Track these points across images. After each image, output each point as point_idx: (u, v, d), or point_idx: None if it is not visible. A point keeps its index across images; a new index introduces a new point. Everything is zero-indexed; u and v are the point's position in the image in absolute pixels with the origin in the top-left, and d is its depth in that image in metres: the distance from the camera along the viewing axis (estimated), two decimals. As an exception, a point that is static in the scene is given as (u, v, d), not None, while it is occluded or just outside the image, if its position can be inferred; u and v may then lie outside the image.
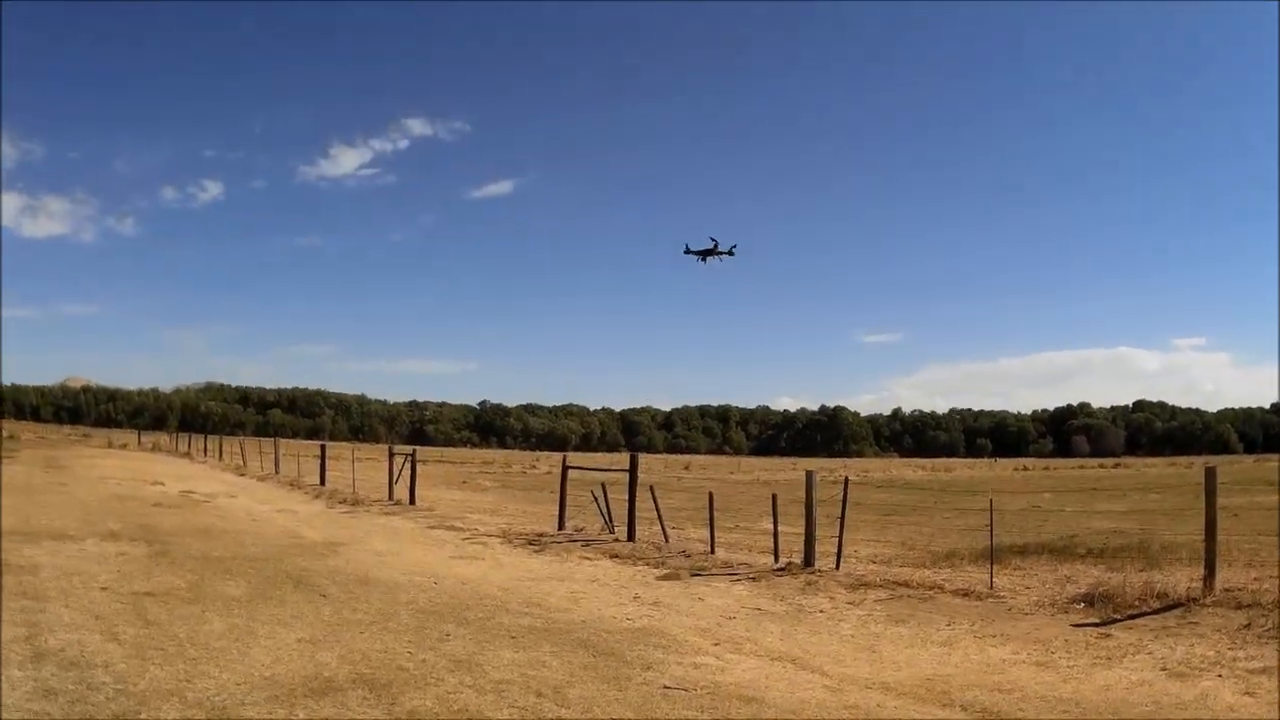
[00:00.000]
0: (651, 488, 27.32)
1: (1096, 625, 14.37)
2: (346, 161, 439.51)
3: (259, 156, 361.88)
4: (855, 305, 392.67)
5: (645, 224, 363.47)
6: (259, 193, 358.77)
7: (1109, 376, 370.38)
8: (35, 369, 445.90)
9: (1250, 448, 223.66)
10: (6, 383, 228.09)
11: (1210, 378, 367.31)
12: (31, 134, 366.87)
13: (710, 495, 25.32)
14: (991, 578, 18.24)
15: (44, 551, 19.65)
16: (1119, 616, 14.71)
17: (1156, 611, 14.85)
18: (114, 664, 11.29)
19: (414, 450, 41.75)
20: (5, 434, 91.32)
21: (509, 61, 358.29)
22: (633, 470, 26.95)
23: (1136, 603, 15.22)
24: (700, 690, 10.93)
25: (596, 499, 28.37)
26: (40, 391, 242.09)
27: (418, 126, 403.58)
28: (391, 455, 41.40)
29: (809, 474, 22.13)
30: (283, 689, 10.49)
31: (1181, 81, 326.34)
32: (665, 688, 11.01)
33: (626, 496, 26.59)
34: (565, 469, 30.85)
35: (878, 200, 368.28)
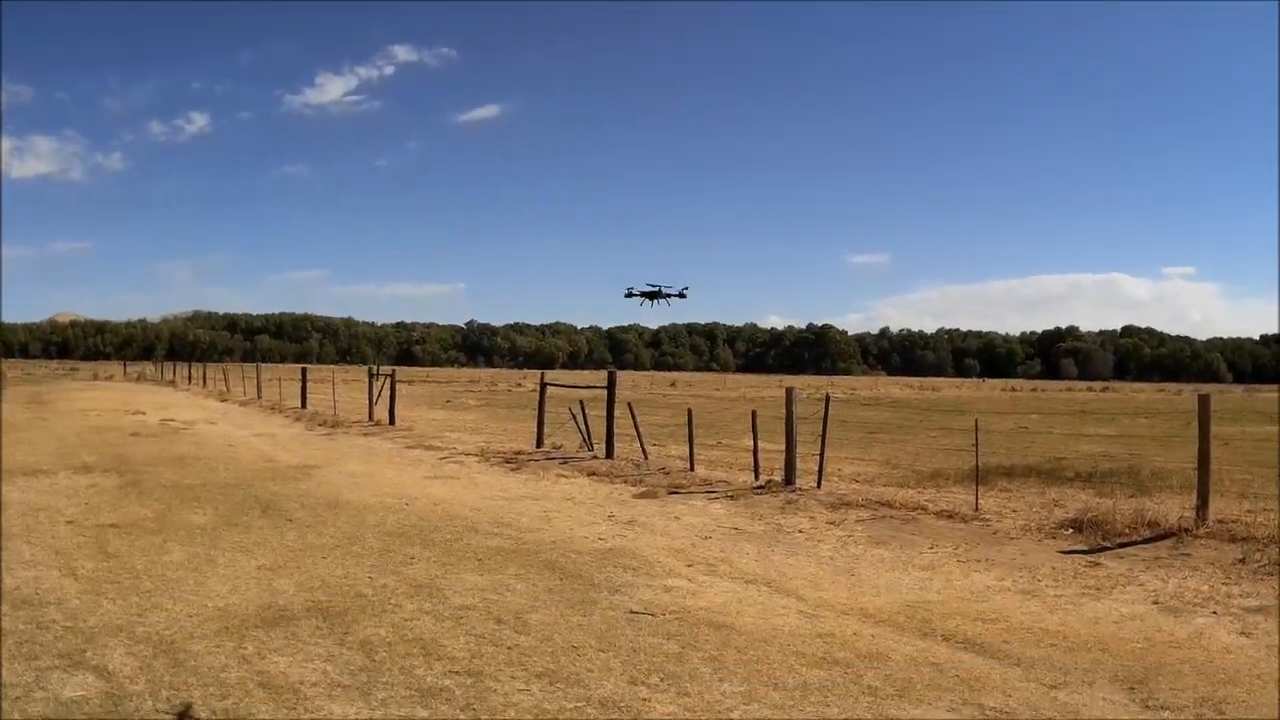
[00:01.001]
0: (630, 404, 27.07)
1: (1085, 553, 13.86)
2: (333, 89, 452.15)
3: (245, 87, 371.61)
4: (844, 225, 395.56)
5: (632, 143, 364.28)
6: (246, 123, 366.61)
7: (1099, 302, 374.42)
8: (27, 307, 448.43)
9: (1239, 378, 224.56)
10: None
11: (1198, 307, 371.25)
12: (18, 77, 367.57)
13: (689, 412, 24.87)
14: (977, 499, 17.79)
15: (14, 488, 19.15)
16: (1108, 545, 14.21)
17: (1147, 541, 14.36)
18: (67, 600, 10.87)
19: (393, 371, 41.56)
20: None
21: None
22: (611, 387, 26.77)
23: (1127, 530, 14.72)
24: (669, 615, 10.45)
25: (575, 417, 28.17)
26: (28, 329, 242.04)
27: (403, 53, 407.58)
28: (372, 376, 41.41)
29: (789, 390, 21.69)
30: (235, 620, 10.08)
31: (1181, 6, 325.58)
32: (632, 612, 10.54)
33: (605, 414, 26.29)
34: (543, 386, 30.55)
35: (867, 122, 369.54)
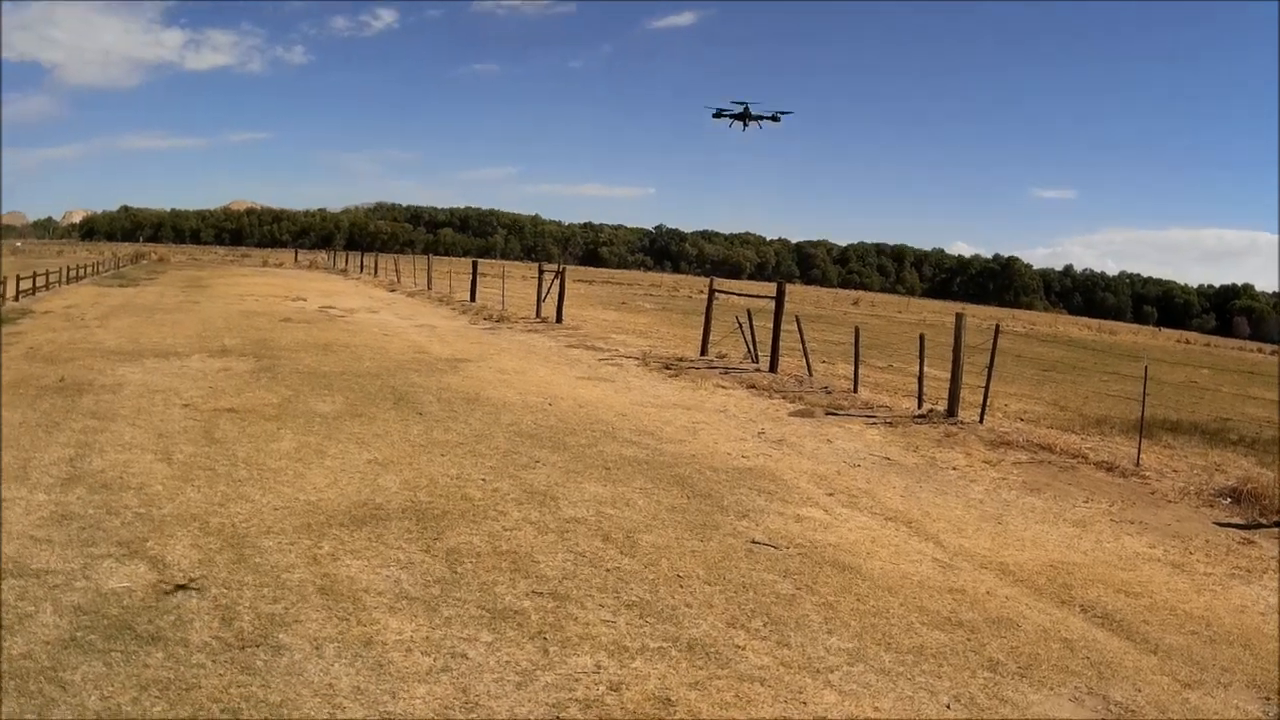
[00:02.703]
0: (797, 318, 26.35)
1: (1241, 527, 13.02)
2: None
3: None
4: (1032, 160, 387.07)
5: (825, 60, 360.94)
6: (434, 20, 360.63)
7: (1275, 262, 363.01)
8: (203, 197, 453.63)
9: None
10: (167, 208, 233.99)
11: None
12: None
13: (856, 330, 24.31)
14: (1139, 454, 16.93)
15: (140, 370, 19.04)
16: (1265, 522, 13.33)
17: (1307, 520, 13.56)
18: (150, 485, 10.65)
19: (562, 268, 41.05)
20: (155, 256, 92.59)
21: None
22: (780, 299, 25.99)
23: (1284, 509, 13.88)
24: (793, 548, 9.97)
25: (740, 326, 27.57)
26: (201, 215, 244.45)
27: None
28: (542, 272, 40.83)
29: (959, 317, 20.83)
30: (321, 516, 9.83)
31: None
32: (754, 542, 10.06)
33: (773, 326, 25.56)
34: (712, 293, 30.00)
35: (1053, 57, 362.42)
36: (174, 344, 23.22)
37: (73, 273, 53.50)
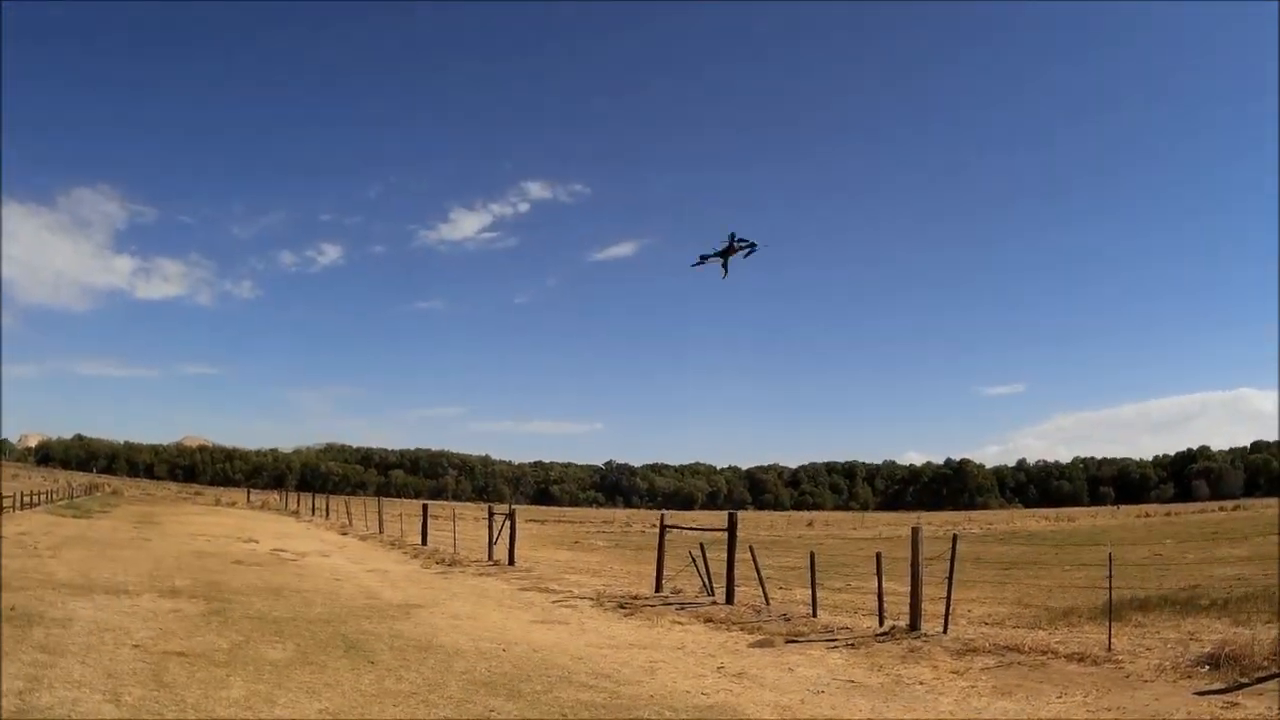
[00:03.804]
0: (750, 546, 26.07)
1: (1221, 692, 12.76)
2: (466, 225, 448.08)
3: (377, 221, 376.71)
4: (977, 358, 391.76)
5: (765, 282, 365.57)
6: (378, 256, 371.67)
7: (1227, 419, 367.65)
8: (155, 429, 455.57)
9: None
10: (121, 441, 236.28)
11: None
12: (143, 198, 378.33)
13: (812, 555, 24.09)
14: (1110, 638, 16.69)
15: (91, 605, 19.06)
16: (1246, 680, 13.11)
17: (1289, 674, 13.26)
18: (96, 728, 10.34)
19: (512, 510, 40.88)
20: (109, 488, 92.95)
21: (626, 124, 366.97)
22: (732, 529, 25.74)
23: (1265, 663, 13.62)
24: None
25: (695, 560, 27.13)
26: (155, 450, 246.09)
27: (537, 189, 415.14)
28: (491, 514, 40.85)
29: (914, 530, 20.56)
30: None
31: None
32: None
33: (726, 558, 25.26)
34: (663, 528, 29.70)
35: (994, 256, 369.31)
36: (125, 581, 23.23)
37: (27, 499, 54.60)
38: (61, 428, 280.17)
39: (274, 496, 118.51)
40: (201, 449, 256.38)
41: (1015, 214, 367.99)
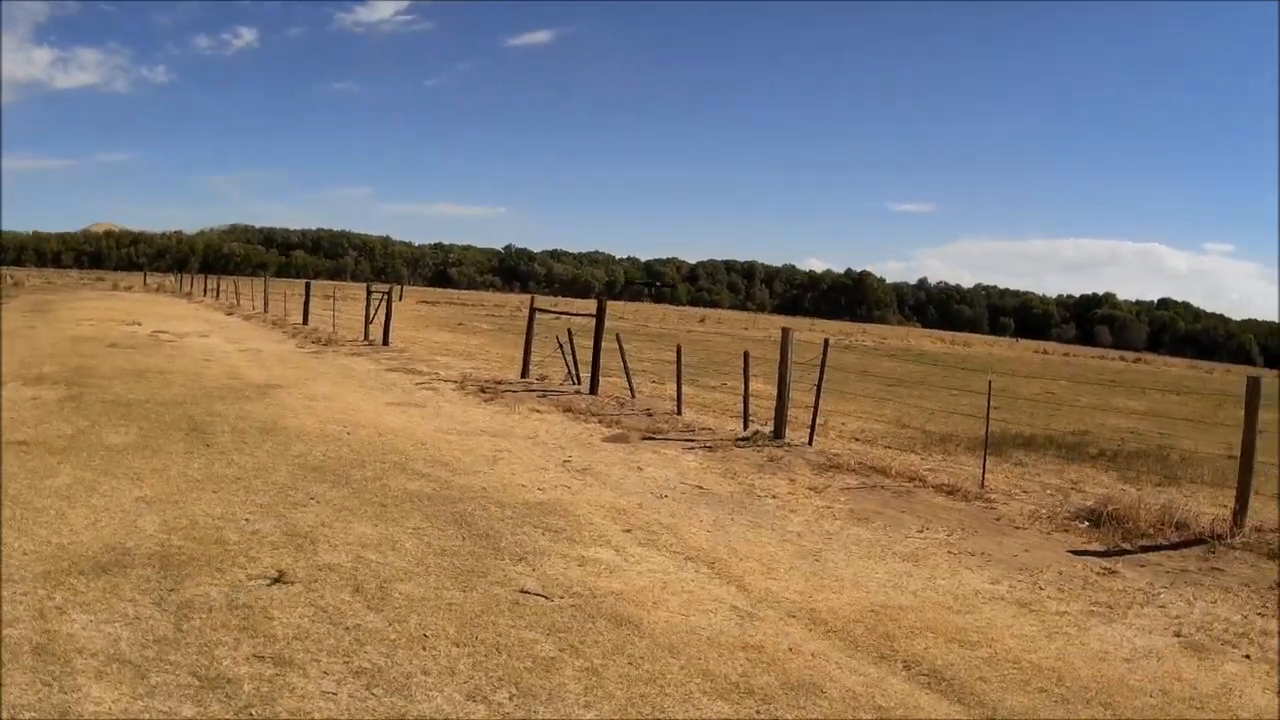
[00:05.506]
0: (618, 335, 25.42)
1: (1100, 555, 11.64)
2: (383, 8, 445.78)
3: (294, 3, 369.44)
4: (888, 173, 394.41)
5: (679, 76, 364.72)
6: (295, 39, 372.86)
7: (1137, 271, 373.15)
8: (71, 218, 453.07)
9: (1271, 361, 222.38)
10: (30, 231, 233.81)
11: (1237, 286, 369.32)
12: None
13: (679, 348, 23.35)
14: (984, 474, 15.65)
15: None
16: (1129, 547, 11.97)
17: (1174, 546, 12.14)
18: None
19: (389, 289, 40.37)
20: (10, 280, 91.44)
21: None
22: (600, 316, 24.92)
23: (1151, 531, 12.50)
24: (567, 599, 8.45)
25: (561, 346, 26.45)
26: (62, 238, 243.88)
27: None
28: (370, 293, 40.28)
29: (785, 332, 19.63)
30: (65, 562, 8.61)
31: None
32: (523, 591, 8.56)
33: (593, 346, 24.63)
34: (532, 311, 28.80)
35: (915, 69, 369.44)
36: (-9, 371, 22.08)
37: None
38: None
39: (170, 280, 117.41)
40: (108, 234, 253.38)
41: (951, 27, 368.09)
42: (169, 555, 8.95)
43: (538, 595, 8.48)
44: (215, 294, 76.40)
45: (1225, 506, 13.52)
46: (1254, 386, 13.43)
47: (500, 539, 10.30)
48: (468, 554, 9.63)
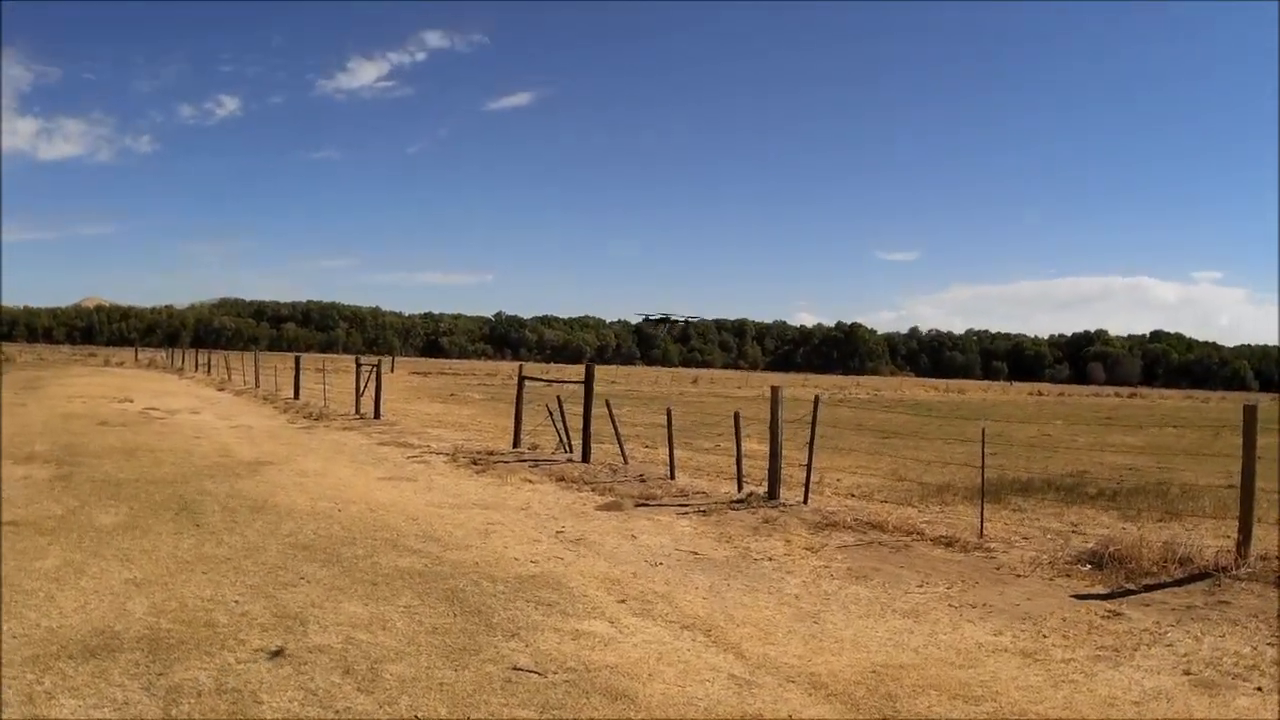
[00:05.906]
0: (608, 402, 25.27)
1: (1104, 598, 11.51)
2: (364, 74, 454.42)
3: (276, 71, 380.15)
4: (875, 222, 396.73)
5: (664, 135, 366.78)
6: (276, 107, 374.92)
7: (1127, 305, 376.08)
8: (55, 292, 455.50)
9: (1266, 386, 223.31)
10: (20, 306, 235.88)
11: (1226, 312, 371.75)
12: (46, 57, 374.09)
13: (669, 412, 23.20)
14: (981, 524, 15.54)
15: None
16: (1133, 587, 11.88)
17: (1179, 582, 12.05)
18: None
19: (379, 361, 40.82)
20: (4, 356, 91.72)
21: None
22: (588, 383, 24.85)
23: (1154, 569, 12.41)
24: (560, 674, 8.30)
25: (552, 414, 26.36)
26: (53, 313, 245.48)
27: (435, 39, 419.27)
28: (359, 366, 40.37)
29: (774, 390, 19.53)
30: (55, 646, 8.59)
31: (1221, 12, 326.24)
32: (515, 668, 8.41)
33: (583, 413, 24.56)
34: (521, 380, 28.89)
35: (897, 117, 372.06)
36: (-16, 449, 22.07)
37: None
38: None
39: (161, 355, 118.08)
40: (98, 309, 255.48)
41: (933, 75, 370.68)
42: (158, 638, 8.88)
43: (531, 672, 8.34)
44: (207, 369, 76.44)
45: (1228, 537, 13.47)
46: (1250, 415, 13.34)
47: (493, 615, 10.17)
48: (459, 631, 9.50)
